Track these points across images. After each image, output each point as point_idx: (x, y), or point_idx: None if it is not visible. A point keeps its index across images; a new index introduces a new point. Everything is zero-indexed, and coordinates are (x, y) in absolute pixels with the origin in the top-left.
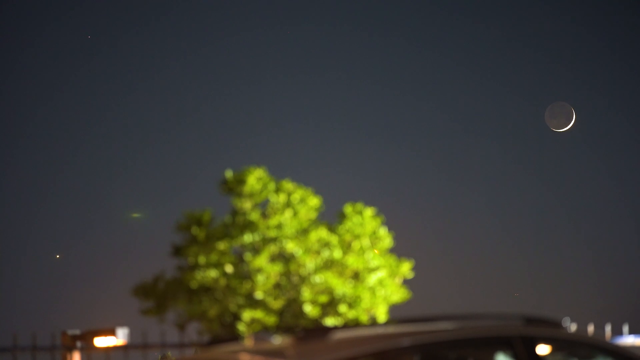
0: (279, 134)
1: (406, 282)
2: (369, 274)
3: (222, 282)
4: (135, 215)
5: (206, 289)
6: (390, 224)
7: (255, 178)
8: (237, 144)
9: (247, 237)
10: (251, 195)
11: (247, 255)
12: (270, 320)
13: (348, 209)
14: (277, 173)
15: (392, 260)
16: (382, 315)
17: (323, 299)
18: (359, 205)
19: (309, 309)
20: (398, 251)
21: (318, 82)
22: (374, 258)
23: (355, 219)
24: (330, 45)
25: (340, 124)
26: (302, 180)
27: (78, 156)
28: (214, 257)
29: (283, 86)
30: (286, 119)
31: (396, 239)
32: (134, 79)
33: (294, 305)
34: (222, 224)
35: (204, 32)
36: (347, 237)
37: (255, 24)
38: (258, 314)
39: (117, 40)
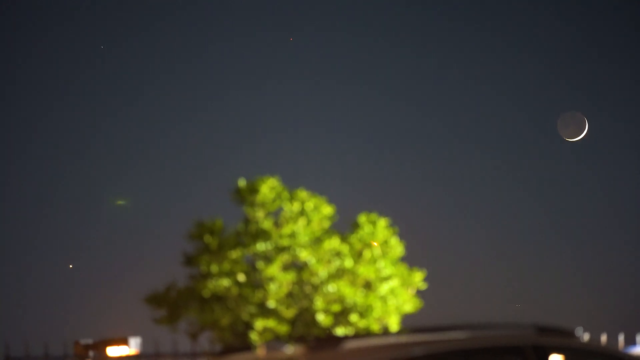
0: (292, 142)
1: (418, 292)
2: (381, 283)
3: (235, 290)
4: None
5: (218, 298)
6: (403, 234)
7: (268, 187)
8: (249, 153)
9: (260, 246)
10: (264, 204)
11: (260, 264)
12: (283, 329)
13: (362, 218)
14: (290, 182)
15: (404, 269)
16: (394, 324)
17: (335, 308)
18: (373, 215)
19: (321, 318)
20: (410, 261)
21: (331, 90)
22: (385, 266)
23: (368, 228)
24: (343, 54)
25: (355, 133)
26: (316, 189)
27: (89, 166)
28: (226, 266)
29: (295, 94)
30: (299, 128)
31: (409, 249)
32: (142, 90)
33: (306, 314)
34: (234, 233)
35: (215, 40)
36: (359, 246)
37: (265, 31)
38: (270, 322)
39: (125, 45)
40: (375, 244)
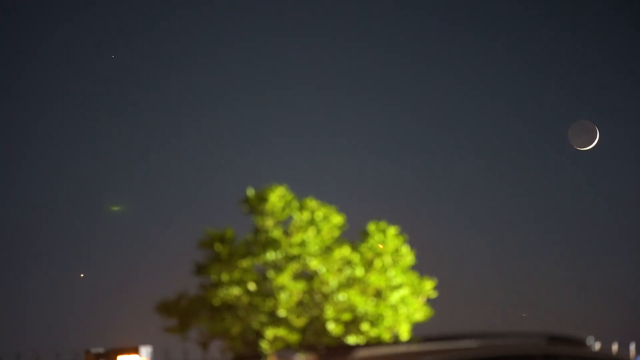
0: (300, 151)
1: (428, 300)
2: (392, 291)
3: (245, 299)
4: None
5: (229, 307)
6: (413, 242)
7: (277, 196)
8: (257, 160)
9: (270, 255)
10: (273, 213)
11: (270, 273)
12: (293, 338)
13: (371, 227)
14: (299, 190)
15: (414, 278)
16: (404, 333)
17: (346, 316)
18: (383, 224)
19: (331, 327)
20: (421, 270)
21: (339, 98)
22: (396, 275)
23: (378, 236)
24: (352, 61)
25: (363, 141)
26: (324, 197)
27: (99, 175)
28: (236, 275)
29: (303, 102)
30: (307, 136)
31: (418, 257)
32: (147, 98)
33: (316, 323)
34: (244, 242)
35: (222, 47)
36: (369, 255)
37: (272, 38)
38: (281, 331)
39: (130, 49)
40: (380, 246)
